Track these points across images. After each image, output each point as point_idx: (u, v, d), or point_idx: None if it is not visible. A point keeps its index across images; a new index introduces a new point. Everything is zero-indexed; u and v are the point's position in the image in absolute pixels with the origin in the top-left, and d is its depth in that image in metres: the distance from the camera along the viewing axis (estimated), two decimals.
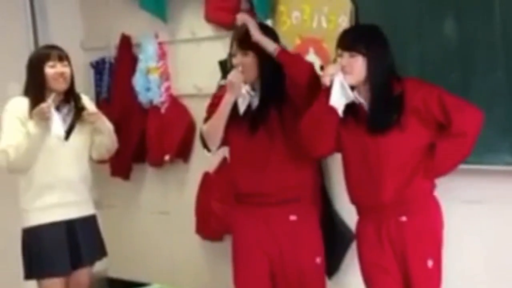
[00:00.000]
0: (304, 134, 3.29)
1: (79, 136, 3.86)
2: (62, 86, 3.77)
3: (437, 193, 3.31)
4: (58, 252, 3.81)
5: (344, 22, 4.08)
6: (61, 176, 3.80)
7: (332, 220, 4.28)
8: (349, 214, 4.21)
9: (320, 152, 3.43)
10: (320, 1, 4.19)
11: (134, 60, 5.18)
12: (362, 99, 3.23)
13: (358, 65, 3.17)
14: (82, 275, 3.94)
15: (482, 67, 3.70)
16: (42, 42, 5.28)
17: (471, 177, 3.72)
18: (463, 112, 3.14)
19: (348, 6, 4.08)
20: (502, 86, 3.63)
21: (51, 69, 3.75)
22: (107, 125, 3.95)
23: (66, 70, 3.79)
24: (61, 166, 3.80)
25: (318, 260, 3.54)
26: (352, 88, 3.20)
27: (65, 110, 3.82)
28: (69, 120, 3.82)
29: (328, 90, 3.19)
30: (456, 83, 3.66)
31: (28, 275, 3.88)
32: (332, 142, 3.31)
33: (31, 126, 3.70)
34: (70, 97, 3.83)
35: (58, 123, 3.69)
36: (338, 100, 3.18)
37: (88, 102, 4.00)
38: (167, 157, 5.06)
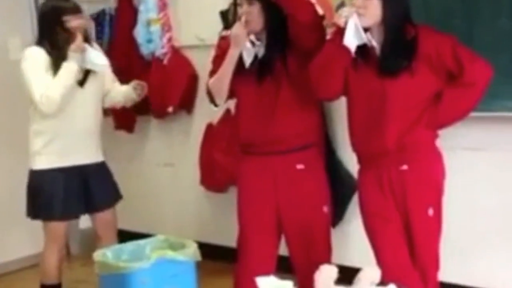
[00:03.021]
0: (314, 75, 3.28)
1: (94, 84, 3.93)
2: (80, 44, 3.80)
3: (441, 140, 3.31)
4: (71, 196, 3.90)
5: None
6: (79, 123, 3.88)
7: (336, 169, 4.29)
8: (352, 163, 4.24)
9: (329, 94, 3.40)
10: None
11: (134, 12, 5.14)
12: (374, 42, 3.20)
13: (374, 6, 3.13)
14: (108, 214, 4.06)
15: (486, 13, 3.67)
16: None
17: (475, 124, 3.72)
18: (476, 63, 3.13)
19: None
20: (506, 32, 3.60)
21: (69, 23, 3.81)
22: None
23: (81, 21, 3.87)
24: (79, 113, 3.87)
25: (325, 209, 3.56)
26: (366, 30, 3.18)
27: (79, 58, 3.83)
28: (83, 69, 3.86)
29: (341, 31, 3.17)
30: (460, 30, 3.63)
31: (36, 216, 3.95)
32: (341, 84, 3.29)
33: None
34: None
35: (97, 53, 3.86)
36: (352, 41, 3.16)
37: (100, 52, 4.03)
38: (170, 109, 5.05)
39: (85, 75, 3.88)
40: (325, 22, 4.12)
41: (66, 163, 3.89)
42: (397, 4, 3.17)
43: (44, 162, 3.88)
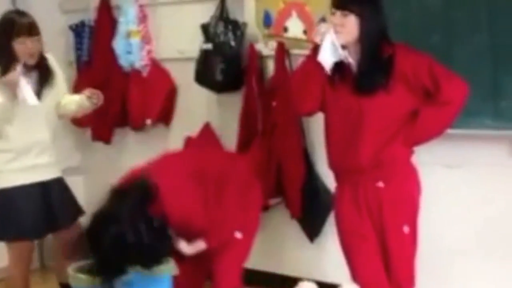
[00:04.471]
0: (292, 90, 3.31)
1: (49, 98, 3.85)
2: (31, 61, 3.74)
3: (419, 157, 3.32)
4: (32, 215, 3.82)
5: None
6: (36, 139, 3.81)
7: (313, 183, 4.29)
8: (331, 179, 4.25)
9: (305, 109, 3.39)
10: None
11: (114, 23, 5.11)
12: (351, 59, 3.21)
13: (351, 24, 3.14)
14: (67, 233, 3.91)
15: (464, 31, 3.69)
16: (20, 4, 5.18)
17: (453, 141, 3.74)
18: (452, 81, 3.14)
19: None
20: (485, 50, 3.63)
21: (21, 46, 3.69)
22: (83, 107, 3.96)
23: (35, 46, 3.73)
24: (35, 129, 3.81)
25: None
26: (343, 47, 3.18)
27: (34, 74, 3.78)
28: (37, 83, 3.79)
29: (318, 47, 3.18)
30: (438, 47, 3.65)
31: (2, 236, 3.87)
32: (317, 100, 3.28)
33: None
34: (39, 62, 3.80)
35: (28, 90, 3.67)
36: (327, 58, 3.17)
37: (54, 64, 3.95)
38: (148, 121, 5.03)
39: (41, 89, 3.79)
40: (306, 38, 4.17)
41: (27, 180, 3.81)
42: (374, 22, 3.17)
43: (5, 181, 3.80)
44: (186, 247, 3.38)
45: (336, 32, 3.14)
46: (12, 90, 3.64)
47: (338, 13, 3.16)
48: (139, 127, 5.14)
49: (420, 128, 3.18)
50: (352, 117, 3.20)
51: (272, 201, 4.40)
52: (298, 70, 3.28)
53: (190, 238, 3.37)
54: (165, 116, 5.04)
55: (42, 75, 3.82)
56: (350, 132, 3.22)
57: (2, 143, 3.79)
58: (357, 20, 3.14)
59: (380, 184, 3.22)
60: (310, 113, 3.48)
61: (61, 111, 3.99)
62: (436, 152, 3.69)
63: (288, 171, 4.29)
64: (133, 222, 3.07)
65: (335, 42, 3.14)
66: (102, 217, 3.16)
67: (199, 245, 3.39)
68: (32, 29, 3.73)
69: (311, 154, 4.36)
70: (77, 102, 3.98)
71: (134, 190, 3.19)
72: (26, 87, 3.66)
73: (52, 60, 3.95)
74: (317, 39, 3.19)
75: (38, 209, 3.84)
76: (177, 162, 3.49)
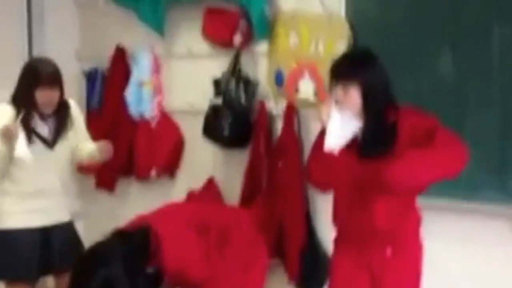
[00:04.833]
0: (313, 178, 3.30)
1: (65, 143, 3.88)
2: (47, 110, 3.80)
3: (422, 229, 3.27)
4: (29, 257, 3.79)
5: (341, 48, 4.06)
6: (45, 184, 3.82)
7: (314, 248, 4.24)
8: (331, 245, 4.20)
9: (328, 190, 3.34)
10: (319, 25, 4.17)
11: (127, 72, 5.13)
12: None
13: (353, 95, 3.06)
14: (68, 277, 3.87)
15: (476, 104, 3.69)
16: (36, 49, 5.24)
17: (459, 214, 3.70)
18: (448, 147, 2.98)
19: (346, 33, 4.07)
20: (495, 124, 3.61)
21: (41, 95, 3.74)
22: (93, 156, 3.99)
23: (55, 96, 3.79)
24: (46, 174, 3.82)
25: None
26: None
27: (50, 121, 3.83)
28: (53, 130, 3.84)
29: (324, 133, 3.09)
30: (449, 119, 3.63)
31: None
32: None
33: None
34: (57, 109, 3.84)
35: (22, 145, 3.69)
36: (335, 142, 3.07)
37: (75, 110, 3.99)
38: (153, 172, 5.01)
39: (56, 137, 3.83)
40: (317, 99, 4.17)
41: (31, 223, 3.80)
42: (376, 88, 3.08)
43: (8, 222, 3.80)
44: None
45: (340, 108, 3.06)
46: (9, 140, 3.65)
47: (339, 86, 3.08)
48: (144, 177, 5.11)
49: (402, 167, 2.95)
50: (361, 181, 3.13)
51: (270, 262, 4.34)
52: (314, 157, 3.22)
53: None
54: (170, 168, 5.02)
55: (58, 123, 3.86)
56: (360, 195, 3.14)
57: (11, 185, 3.79)
58: (359, 89, 3.06)
59: (388, 251, 3.14)
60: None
61: (74, 159, 4.02)
62: (441, 224, 3.64)
63: (289, 233, 4.24)
64: (126, 268, 2.96)
65: (344, 119, 3.06)
66: (94, 256, 3.04)
67: None
68: (54, 80, 3.79)
69: (313, 219, 4.31)
70: (88, 152, 4.00)
71: (135, 234, 3.12)
72: (21, 142, 3.68)
73: (74, 107, 3.99)
74: (323, 118, 3.11)
75: (37, 252, 3.81)
76: (180, 212, 3.42)
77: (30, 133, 3.75)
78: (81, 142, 4.00)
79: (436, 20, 3.81)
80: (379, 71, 3.12)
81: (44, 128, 3.81)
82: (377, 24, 4.02)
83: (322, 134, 3.18)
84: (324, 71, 4.11)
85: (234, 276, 3.30)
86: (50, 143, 3.81)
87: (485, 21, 3.66)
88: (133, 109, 5.03)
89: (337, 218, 3.31)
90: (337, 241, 3.35)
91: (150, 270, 3.04)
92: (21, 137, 3.69)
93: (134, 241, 3.05)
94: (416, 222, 3.22)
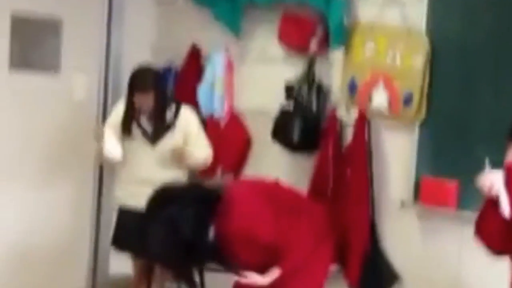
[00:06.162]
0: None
1: (169, 142, 4.35)
2: (144, 111, 4.34)
3: None
4: (130, 235, 4.13)
5: (418, 62, 4.06)
6: (143, 176, 4.28)
7: (376, 257, 4.24)
8: (395, 253, 4.20)
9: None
10: (398, 35, 4.18)
11: (200, 71, 5.20)
12: None
13: None
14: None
15: None
16: (114, 42, 5.36)
17: None
18: None
19: (425, 47, 4.06)
20: None
21: (136, 100, 4.32)
22: (193, 159, 4.41)
23: (145, 102, 4.30)
24: (143, 168, 4.35)
25: None
26: None
27: (150, 123, 4.37)
28: (151, 131, 4.37)
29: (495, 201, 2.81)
30: None
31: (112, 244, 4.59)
32: None
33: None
34: (154, 112, 4.34)
35: (111, 145, 4.31)
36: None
37: (185, 116, 4.44)
38: (219, 172, 5.06)
39: (157, 135, 4.34)
40: (389, 110, 4.17)
41: (131, 204, 4.27)
42: None
43: (116, 202, 4.51)
44: (260, 278, 3.28)
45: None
46: (96, 141, 4.39)
47: None
48: (208, 175, 5.16)
49: None
50: None
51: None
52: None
53: (256, 259, 3.26)
54: (235, 168, 5.06)
55: (154, 123, 4.36)
56: None
57: (122, 172, 4.46)
58: None
59: None
60: None
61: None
62: None
63: (352, 240, 4.24)
64: (194, 214, 3.05)
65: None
66: (170, 193, 3.19)
67: (274, 273, 3.27)
68: (143, 86, 4.31)
69: (378, 227, 4.32)
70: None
71: (212, 190, 3.24)
72: (109, 142, 4.31)
73: (185, 112, 4.45)
74: (492, 192, 2.80)
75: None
76: (258, 183, 3.48)
77: (131, 129, 4.37)
78: (191, 146, 4.40)
79: None
80: None
81: (148, 126, 4.36)
82: (459, 42, 4.00)
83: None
84: (399, 85, 4.14)
85: (306, 243, 3.28)
86: (151, 139, 4.35)
87: None
88: (204, 108, 5.09)
89: None
90: None
91: (211, 234, 3.08)
92: (110, 139, 4.30)
93: (209, 193, 3.11)
94: None
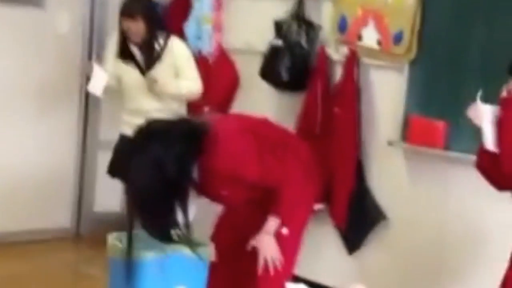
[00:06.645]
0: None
1: (159, 72, 4.38)
2: (134, 39, 4.39)
3: None
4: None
5: (410, 1, 3.98)
6: (137, 106, 4.44)
7: (362, 197, 4.24)
8: (382, 193, 4.19)
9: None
10: None
11: (188, 7, 5.12)
12: None
13: None
14: None
15: None
16: None
17: None
18: None
19: None
20: None
21: (123, 26, 4.37)
22: (170, 92, 4.45)
23: (134, 27, 4.32)
24: (137, 97, 4.46)
25: None
26: None
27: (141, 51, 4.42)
28: (142, 60, 4.41)
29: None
30: None
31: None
32: None
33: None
34: (144, 41, 4.37)
35: (94, 81, 4.40)
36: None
37: (174, 47, 4.45)
38: (206, 109, 5.02)
39: (148, 64, 4.37)
40: (380, 48, 4.11)
41: (126, 133, 4.29)
42: None
43: (121, 128, 4.55)
44: (270, 245, 3.12)
45: None
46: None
47: None
48: (196, 112, 5.12)
49: None
50: None
51: (316, 207, 4.34)
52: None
53: (241, 196, 3.18)
54: (223, 106, 5.02)
55: (144, 53, 4.41)
56: None
57: (123, 101, 4.56)
58: None
59: None
60: None
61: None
62: None
63: (339, 178, 4.24)
64: (179, 152, 2.94)
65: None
66: (154, 130, 3.03)
67: (272, 225, 3.13)
68: (129, 11, 4.33)
69: (364, 167, 4.30)
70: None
71: (198, 125, 3.11)
72: (95, 77, 4.38)
73: (174, 43, 4.46)
74: (476, 122, 2.86)
75: None
76: (244, 119, 3.39)
77: (126, 58, 4.44)
78: (178, 78, 4.45)
79: None
80: None
81: (138, 56, 4.42)
82: None
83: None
84: (390, 21, 4.07)
85: (295, 180, 3.15)
86: (143, 70, 4.39)
87: None
88: (192, 44, 5.01)
89: None
90: None
91: (195, 172, 3.04)
92: (98, 74, 4.37)
93: (195, 129, 3.06)
94: None
